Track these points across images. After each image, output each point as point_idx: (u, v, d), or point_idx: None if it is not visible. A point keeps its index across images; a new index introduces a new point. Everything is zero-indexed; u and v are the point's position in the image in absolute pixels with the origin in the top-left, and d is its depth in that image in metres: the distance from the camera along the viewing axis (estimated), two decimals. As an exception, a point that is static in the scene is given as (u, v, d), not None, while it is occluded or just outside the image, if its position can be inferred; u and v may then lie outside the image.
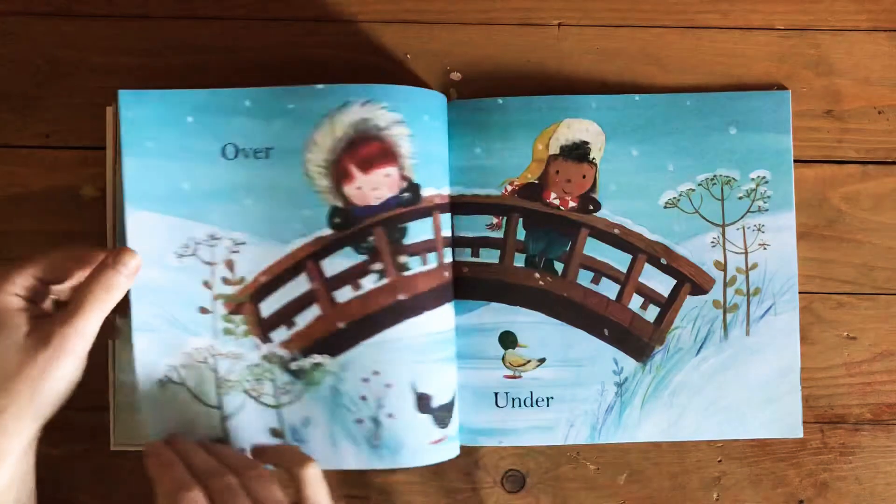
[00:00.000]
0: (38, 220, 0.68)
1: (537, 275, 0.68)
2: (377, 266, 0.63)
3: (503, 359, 0.67)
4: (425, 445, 0.64)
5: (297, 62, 0.69)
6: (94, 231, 0.68)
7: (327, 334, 0.63)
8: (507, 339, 0.67)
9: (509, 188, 0.68)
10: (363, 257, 0.63)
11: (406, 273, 0.63)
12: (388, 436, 0.63)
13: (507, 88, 0.69)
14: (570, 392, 0.68)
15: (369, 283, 0.63)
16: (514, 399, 0.68)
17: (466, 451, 0.68)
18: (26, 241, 0.68)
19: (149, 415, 0.62)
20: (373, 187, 0.63)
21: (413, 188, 0.63)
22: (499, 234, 0.68)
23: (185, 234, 0.62)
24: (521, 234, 0.68)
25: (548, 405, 0.68)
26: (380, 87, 0.63)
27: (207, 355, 0.62)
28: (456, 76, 0.70)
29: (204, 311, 0.63)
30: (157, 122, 0.62)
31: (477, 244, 0.68)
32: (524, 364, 0.68)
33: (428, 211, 0.64)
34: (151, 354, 0.62)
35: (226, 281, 0.63)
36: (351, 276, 0.63)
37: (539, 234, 0.68)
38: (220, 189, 0.62)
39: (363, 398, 0.63)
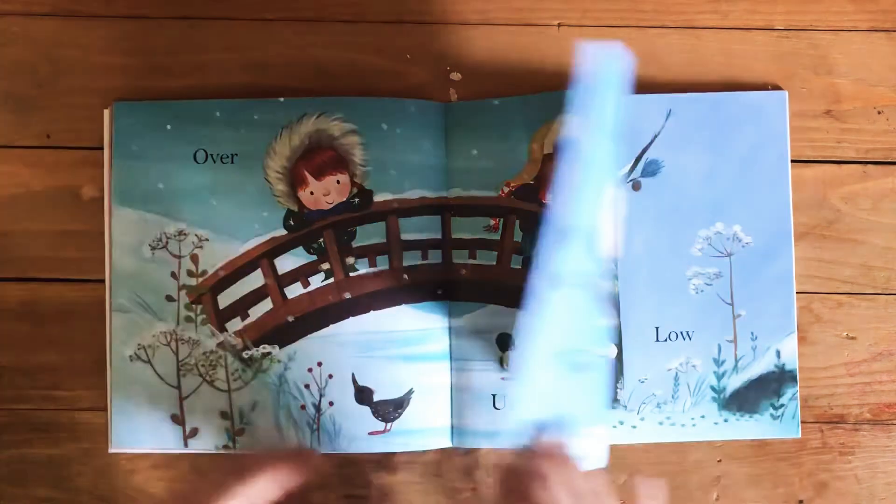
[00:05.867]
0: (38, 220, 0.68)
1: (535, 276, 0.68)
2: (325, 266, 0.68)
3: (501, 360, 0.68)
4: (362, 434, 0.67)
5: (297, 62, 0.69)
6: (94, 231, 0.68)
7: (277, 326, 0.68)
8: (505, 341, 0.67)
9: (506, 189, 0.68)
10: (313, 257, 0.68)
11: (353, 274, 0.68)
12: (326, 420, 0.67)
13: (506, 88, 0.69)
14: (568, 392, 0.68)
15: (317, 281, 0.68)
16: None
17: (466, 451, 0.69)
18: (26, 241, 0.68)
19: (116, 388, 0.67)
20: (324, 192, 0.68)
21: (365, 194, 0.68)
22: (496, 236, 0.68)
23: (159, 228, 0.68)
24: (518, 236, 0.68)
25: (546, 405, 0.68)
26: (335, 100, 0.68)
27: (171, 339, 0.68)
28: (456, 76, 0.70)
29: (170, 299, 0.68)
30: (142, 128, 0.68)
31: (474, 246, 0.68)
32: (522, 365, 0.68)
33: (381, 216, 0.67)
34: (123, 333, 0.67)
35: (190, 273, 0.68)
36: (301, 274, 0.68)
37: (536, 236, 0.68)
38: (190, 190, 0.68)
39: (307, 386, 0.68)
